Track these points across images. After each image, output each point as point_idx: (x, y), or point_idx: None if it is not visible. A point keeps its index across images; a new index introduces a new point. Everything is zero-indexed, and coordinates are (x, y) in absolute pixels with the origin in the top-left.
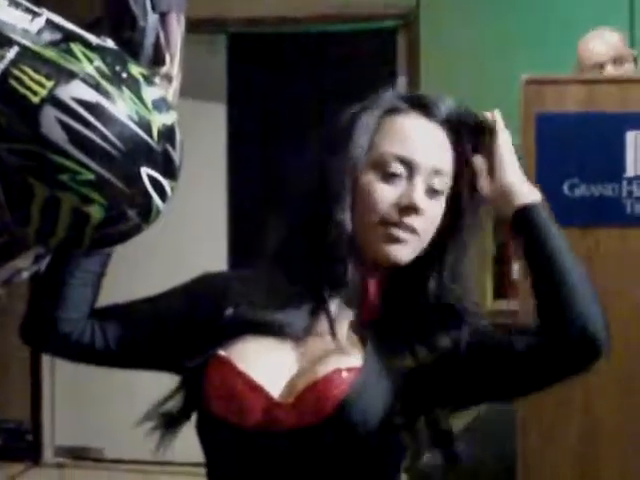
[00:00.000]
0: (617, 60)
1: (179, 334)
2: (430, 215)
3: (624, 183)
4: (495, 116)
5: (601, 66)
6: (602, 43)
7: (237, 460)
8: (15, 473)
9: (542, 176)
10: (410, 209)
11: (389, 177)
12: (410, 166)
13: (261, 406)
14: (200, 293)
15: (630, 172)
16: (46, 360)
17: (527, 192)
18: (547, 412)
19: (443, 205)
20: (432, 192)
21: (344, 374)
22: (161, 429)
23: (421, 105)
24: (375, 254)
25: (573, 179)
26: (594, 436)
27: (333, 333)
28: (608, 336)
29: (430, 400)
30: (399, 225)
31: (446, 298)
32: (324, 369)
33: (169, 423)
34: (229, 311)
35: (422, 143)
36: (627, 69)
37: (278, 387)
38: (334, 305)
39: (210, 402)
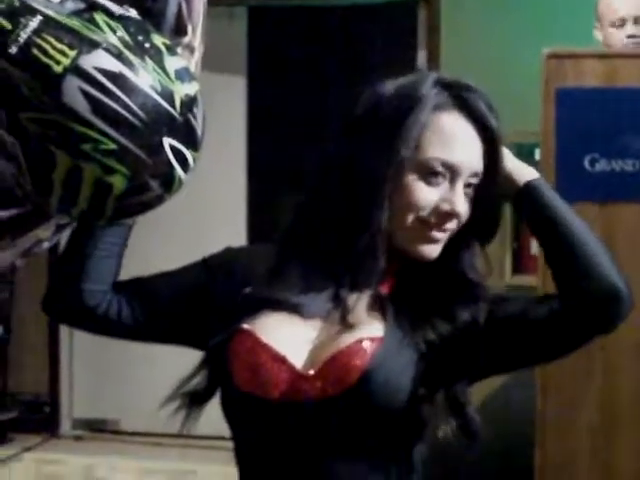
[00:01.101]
0: (638, 20)
1: (199, 306)
2: (464, 214)
3: None
4: None
5: (622, 22)
6: (624, 1)
7: (262, 432)
8: (32, 445)
9: (563, 151)
10: (450, 215)
11: (431, 178)
12: (453, 170)
13: (285, 378)
14: (220, 267)
15: None
16: (64, 332)
17: (527, 172)
18: (566, 385)
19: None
20: (466, 188)
21: (366, 343)
22: (185, 408)
23: (461, 100)
24: (408, 250)
25: (594, 154)
26: (612, 409)
27: (346, 321)
28: (629, 289)
29: (449, 372)
30: (438, 227)
31: (468, 273)
32: (346, 340)
33: (193, 401)
34: (248, 289)
35: (466, 148)
36: None
37: (301, 359)
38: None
39: (235, 375)
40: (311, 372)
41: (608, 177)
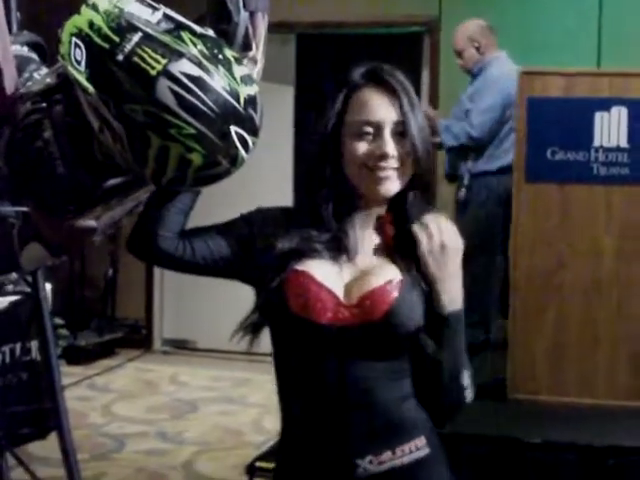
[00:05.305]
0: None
1: (243, 250)
2: (402, 153)
3: (592, 151)
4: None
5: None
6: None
7: (311, 348)
8: (133, 357)
9: (531, 144)
10: (383, 156)
11: (362, 136)
12: (375, 125)
13: (331, 306)
14: (257, 220)
15: (597, 143)
16: (157, 273)
17: (452, 304)
18: (529, 316)
19: (411, 142)
20: (399, 135)
21: (392, 285)
22: (248, 335)
23: (375, 79)
24: (368, 193)
25: (554, 147)
26: (565, 326)
27: (349, 255)
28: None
29: (428, 305)
30: (378, 168)
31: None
32: (379, 280)
33: (253, 331)
34: (284, 243)
35: (381, 107)
36: (468, 55)
37: (340, 292)
38: (363, 236)
39: (291, 304)
40: (351, 302)
41: (564, 164)
